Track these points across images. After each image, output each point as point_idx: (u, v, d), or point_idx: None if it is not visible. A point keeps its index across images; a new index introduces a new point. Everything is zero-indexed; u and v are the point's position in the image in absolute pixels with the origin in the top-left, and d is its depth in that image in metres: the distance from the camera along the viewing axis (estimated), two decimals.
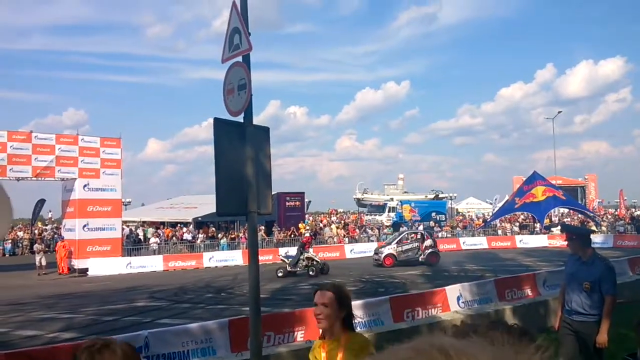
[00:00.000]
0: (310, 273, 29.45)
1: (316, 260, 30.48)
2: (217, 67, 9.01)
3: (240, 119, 9.04)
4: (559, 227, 47.52)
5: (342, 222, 63.05)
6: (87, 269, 34.20)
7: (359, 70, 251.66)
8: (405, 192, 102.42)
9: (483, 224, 54.85)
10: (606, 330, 6.99)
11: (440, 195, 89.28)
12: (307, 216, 62.95)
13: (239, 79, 8.81)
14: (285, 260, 30.41)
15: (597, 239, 45.78)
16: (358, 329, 12.60)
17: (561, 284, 7.57)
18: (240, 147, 8.70)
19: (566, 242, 7.40)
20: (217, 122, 8.75)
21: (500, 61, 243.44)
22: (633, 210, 76.91)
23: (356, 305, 13.59)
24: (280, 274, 29.32)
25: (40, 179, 34.20)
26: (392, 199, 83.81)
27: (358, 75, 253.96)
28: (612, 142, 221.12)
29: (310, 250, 31.36)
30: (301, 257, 30.08)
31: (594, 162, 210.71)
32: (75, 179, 34.47)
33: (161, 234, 45.40)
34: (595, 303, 6.93)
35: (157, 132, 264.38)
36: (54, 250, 38.05)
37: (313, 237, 40.03)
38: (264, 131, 9.36)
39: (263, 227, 46.15)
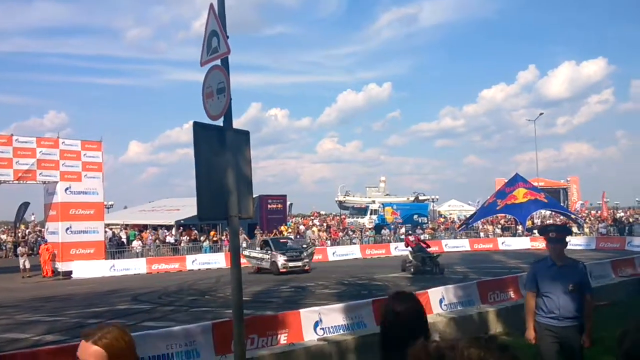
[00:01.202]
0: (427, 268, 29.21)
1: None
2: (198, 69, 9.04)
3: (220, 122, 9.07)
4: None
5: (325, 224, 63.12)
6: (71, 272, 34.14)
7: (340, 72, 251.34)
8: (387, 195, 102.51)
9: (464, 225, 54.97)
10: (590, 330, 7.05)
11: (422, 198, 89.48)
12: (289, 218, 62.96)
13: (217, 83, 8.83)
14: None
15: (579, 241, 46.14)
16: (341, 332, 12.70)
17: (528, 294, 7.30)
18: (220, 151, 8.73)
19: (548, 244, 7.21)
20: (197, 126, 8.77)
21: (482, 62, 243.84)
22: (615, 211, 77.42)
23: (338, 308, 13.69)
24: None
25: (22, 182, 34.06)
26: (374, 202, 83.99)
27: (339, 77, 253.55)
28: (594, 143, 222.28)
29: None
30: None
31: (577, 164, 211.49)
32: (57, 182, 34.36)
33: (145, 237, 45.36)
34: (580, 305, 6.93)
35: (139, 135, 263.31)
36: (38, 253, 37.86)
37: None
38: (244, 135, 9.39)
39: (244, 230, 46.16)
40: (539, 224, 57.32)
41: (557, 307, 6.88)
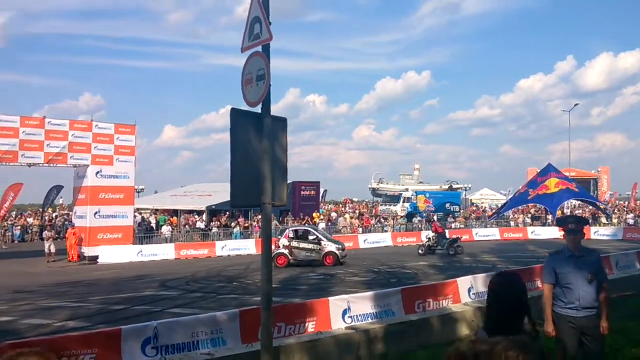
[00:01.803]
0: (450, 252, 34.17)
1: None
2: (236, 54, 8.93)
3: (257, 109, 8.96)
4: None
5: (357, 211, 62.94)
6: (97, 257, 34.16)
7: (379, 59, 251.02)
8: (420, 183, 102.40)
9: (495, 214, 54.58)
10: (608, 317, 6.96)
11: (455, 186, 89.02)
12: (322, 205, 62.86)
13: (257, 69, 8.73)
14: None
15: (607, 231, 45.65)
16: (369, 320, 12.56)
17: (545, 286, 7.19)
18: (257, 138, 8.63)
19: (566, 235, 7.15)
20: (234, 112, 8.67)
21: (521, 52, 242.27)
22: None
23: (367, 296, 13.55)
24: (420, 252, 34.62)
25: (52, 165, 34.15)
26: (407, 189, 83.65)
27: (379, 64, 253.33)
28: (628, 134, 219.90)
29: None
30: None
31: (609, 155, 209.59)
32: (87, 165, 34.38)
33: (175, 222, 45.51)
34: (598, 294, 6.90)
35: (174, 119, 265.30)
36: (64, 237, 38.03)
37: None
38: (281, 122, 9.27)
39: (275, 217, 46.16)
40: (568, 213, 56.76)
41: (577, 298, 6.89)
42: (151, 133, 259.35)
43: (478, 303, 14.12)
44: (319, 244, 30.22)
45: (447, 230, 40.35)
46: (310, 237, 30.65)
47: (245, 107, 8.98)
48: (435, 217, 55.76)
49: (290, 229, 33.13)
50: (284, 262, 29.69)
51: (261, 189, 8.42)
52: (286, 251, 29.95)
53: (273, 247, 27.62)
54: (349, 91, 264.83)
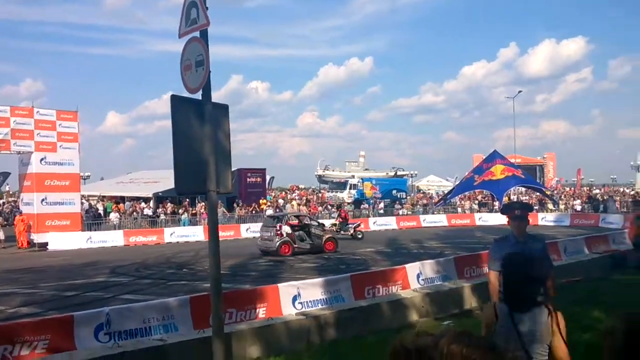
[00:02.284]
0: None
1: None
2: (178, 39, 8.92)
3: (198, 96, 8.97)
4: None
5: (304, 198, 63.07)
6: (46, 244, 33.81)
7: (322, 45, 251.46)
8: (366, 169, 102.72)
9: (441, 201, 55.22)
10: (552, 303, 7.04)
11: (400, 173, 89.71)
12: (268, 192, 62.79)
13: (196, 55, 8.72)
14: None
15: (554, 217, 46.57)
16: (319, 306, 12.72)
17: (491, 274, 7.03)
18: (199, 125, 8.64)
19: (511, 221, 7.07)
20: (175, 99, 8.66)
21: (464, 39, 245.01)
22: (591, 189, 78.09)
23: (317, 282, 13.70)
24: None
25: None
26: (353, 176, 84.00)
27: (321, 51, 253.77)
28: (571, 121, 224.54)
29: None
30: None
31: (553, 141, 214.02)
32: (31, 152, 33.87)
33: (127, 209, 45.15)
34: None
35: (117, 105, 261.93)
36: (12, 224, 37.50)
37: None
38: (223, 109, 9.30)
39: (223, 204, 46.03)
40: (515, 199, 57.73)
41: None
42: (94, 120, 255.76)
43: (427, 289, 14.38)
44: (321, 230, 29.95)
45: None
46: (312, 224, 30.21)
47: (187, 94, 9.01)
48: (382, 205, 56.35)
49: (291, 215, 32.44)
50: (288, 250, 28.05)
51: (205, 176, 8.45)
52: (289, 239, 28.35)
53: (270, 234, 27.66)
54: (292, 78, 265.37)
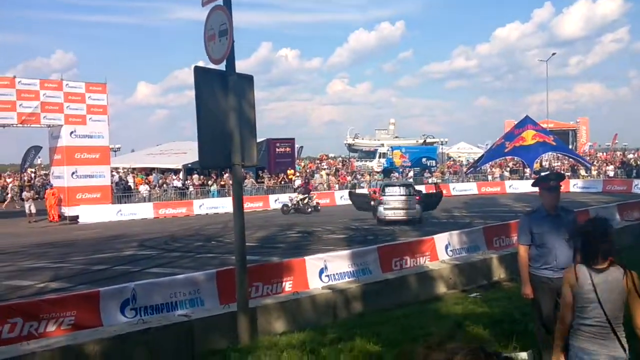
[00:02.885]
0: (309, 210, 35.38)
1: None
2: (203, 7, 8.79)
3: (222, 67, 8.83)
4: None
5: (333, 168, 62.91)
6: (77, 217, 34.08)
7: (352, 10, 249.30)
8: (396, 137, 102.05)
9: (471, 168, 54.75)
10: None
11: (431, 140, 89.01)
12: (297, 162, 62.70)
13: (220, 24, 8.56)
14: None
15: (586, 183, 45.98)
16: (346, 279, 12.63)
17: (521, 248, 6.97)
18: (223, 97, 8.53)
19: (546, 193, 6.88)
20: (198, 70, 8.54)
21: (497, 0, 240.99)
22: (624, 154, 76.86)
23: (344, 255, 13.61)
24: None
25: (26, 125, 33.78)
26: (382, 145, 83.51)
27: (351, 16, 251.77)
28: (606, 84, 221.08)
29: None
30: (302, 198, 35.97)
31: (588, 105, 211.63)
32: (61, 125, 34.01)
33: (155, 181, 45.36)
34: (574, 255, 6.78)
35: (147, 75, 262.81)
36: (44, 198, 37.86)
37: (306, 182, 42.51)
38: (248, 80, 9.16)
39: (252, 174, 46.07)
40: (547, 166, 57.10)
41: (555, 258, 6.67)
42: (125, 91, 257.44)
43: (455, 260, 14.20)
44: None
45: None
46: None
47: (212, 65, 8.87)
48: (411, 173, 56.05)
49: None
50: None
51: (230, 149, 8.33)
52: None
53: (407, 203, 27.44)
54: (321, 44, 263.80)
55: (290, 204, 36.10)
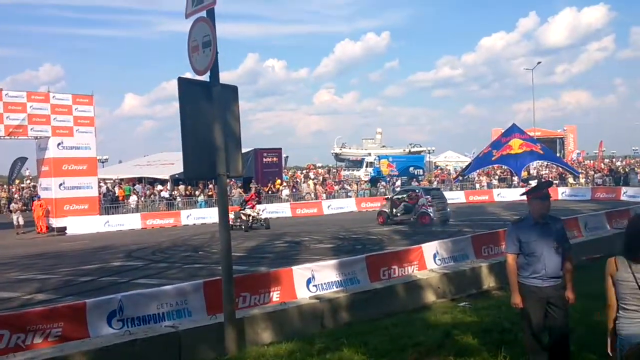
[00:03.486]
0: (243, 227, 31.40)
1: (255, 217, 32.38)
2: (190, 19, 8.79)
3: (207, 78, 8.82)
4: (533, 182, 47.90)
5: (321, 177, 62.92)
6: (65, 228, 34.04)
7: (338, 21, 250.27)
8: (383, 147, 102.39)
9: (459, 176, 54.91)
10: (572, 285, 6.85)
11: (417, 149, 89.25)
12: (285, 172, 62.68)
13: (203, 36, 8.58)
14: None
15: (575, 191, 46.14)
16: (334, 288, 12.59)
17: (510, 257, 6.87)
18: (207, 107, 8.52)
19: (538, 202, 6.78)
20: (182, 81, 8.54)
21: (483, 9, 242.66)
22: (612, 161, 77.19)
23: (331, 264, 13.57)
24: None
25: (13, 137, 33.72)
26: (370, 154, 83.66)
27: (337, 27, 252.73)
28: (592, 92, 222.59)
29: (256, 207, 33.36)
30: (242, 212, 32.30)
31: (574, 113, 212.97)
32: (48, 137, 34.04)
33: (139, 191, 45.21)
34: (563, 263, 6.76)
35: (135, 87, 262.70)
36: (32, 209, 37.73)
37: (257, 194, 38.83)
38: (232, 90, 9.15)
39: (240, 184, 46.04)
40: (535, 174, 57.28)
41: (543, 267, 6.60)
42: (113, 102, 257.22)
43: (444, 269, 14.19)
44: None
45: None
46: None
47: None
48: (399, 182, 56.14)
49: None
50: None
51: (215, 160, 8.31)
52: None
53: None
54: (308, 55, 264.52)
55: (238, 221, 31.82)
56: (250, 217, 32.03)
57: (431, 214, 30.19)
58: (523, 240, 6.71)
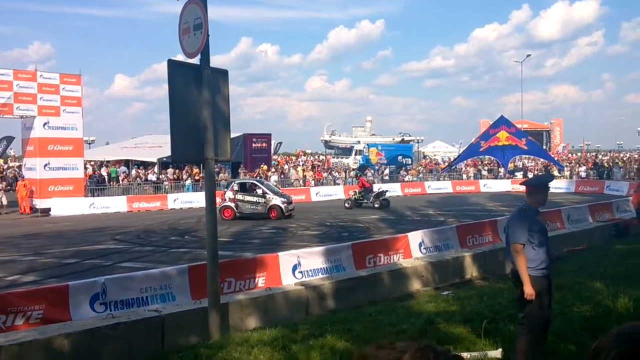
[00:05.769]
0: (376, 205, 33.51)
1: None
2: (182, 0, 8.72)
3: (197, 60, 8.78)
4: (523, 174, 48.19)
5: (310, 164, 62.85)
6: (49, 209, 33.67)
7: (333, 8, 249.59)
8: (373, 135, 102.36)
9: (448, 167, 55.11)
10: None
11: (407, 139, 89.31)
12: (274, 157, 62.55)
13: (194, 18, 8.53)
14: None
15: (560, 184, 46.31)
16: (320, 275, 12.60)
17: (519, 248, 6.61)
18: (197, 90, 8.48)
19: (540, 193, 6.87)
20: (172, 63, 8.48)
21: (477, 0, 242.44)
22: (596, 155, 77.58)
23: (317, 251, 13.58)
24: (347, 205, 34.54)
25: None
26: (359, 142, 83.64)
27: (332, 13, 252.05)
28: (581, 86, 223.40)
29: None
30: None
31: (562, 106, 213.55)
32: (34, 116, 33.61)
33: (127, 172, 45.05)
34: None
35: (125, 68, 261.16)
36: (15, 190, 37.42)
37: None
38: (222, 74, 9.12)
39: (229, 170, 45.94)
40: (520, 166, 57.56)
41: (549, 257, 6.67)
42: (103, 83, 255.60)
43: (428, 258, 14.27)
44: (264, 197, 29.72)
45: (376, 185, 40.56)
46: (257, 191, 30.16)
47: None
48: (387, 171, 56.17)
49: (236, 181, 32.89)
50: (230, 215, 29.41)
51: (203, 144, 8.28)
52: (232, 204, 29.63)
53: (219, 200, 27.37)
54: (302, 41, 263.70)
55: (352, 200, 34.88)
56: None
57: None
58: (531, 231, 6.66)
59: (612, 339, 1.47)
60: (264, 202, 29.52)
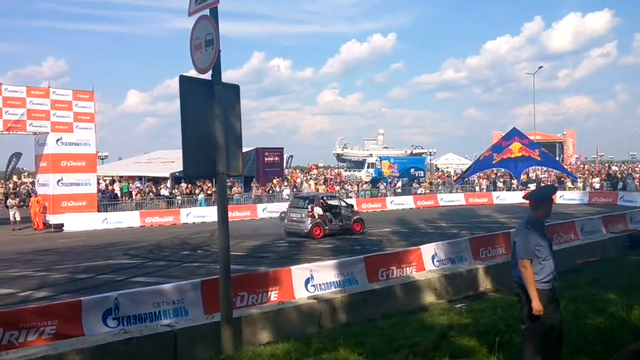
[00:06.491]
0: None
1: None
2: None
3: (209, 76, 8.80)
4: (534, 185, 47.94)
5: (322, 177, 62.80)
6: (62, 225, 33.70)
7: (345, 22, 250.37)
8: (385, 148, 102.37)
9: (459, 179, 54.93)
10: None
11: (419, 151, 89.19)
12: (286, 171, 62.54)
13: (206, 34, 8.56)
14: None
15: (573, 195, 46.17)
16: (332, 289, 12.58)
17: (527, 262, 6.51)
18: (208, 106, 8.49)
19: (546, 205, 6.80)
20: (183, 79, 8.50)
21: (489, 13, 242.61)
22: (609, 166, 77.17)
23: (330, 265, 13.56)
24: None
25: (11, 132, 33.53)
26: (371, 155, 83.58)
27: (344, 27, 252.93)
28: (594, 97, 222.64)
29: None
30: None
31: (575, 118, 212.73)
32: (47, 133, 33.77)
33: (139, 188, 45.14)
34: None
35: (138, 84, 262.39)
36: (29, 205, 37.53)
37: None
38: (234, 89, 9.13)
39: (242, 184, 45.95)
40: (534, 178, 57.28)
41: (554, 270, 6.58)
42: (115, 98, 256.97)
43: (441, 271, 14.20)
44: (350, 210, 28.74)
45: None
46: (342, 204, 29.03)
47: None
48: (400, 184, 56.03)
49: (320, 196, 29.90)
50: (320, 233, 26.87)
51: (215, 159, 8.28)
52: (321, 221, 27.15)
53: (301, 215, 27.00)
54: (314, 55, 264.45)
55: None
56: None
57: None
58: (539, 244, 6.58)
59: (629, 356, 1.45)
60: (348, 216, 28.27)
